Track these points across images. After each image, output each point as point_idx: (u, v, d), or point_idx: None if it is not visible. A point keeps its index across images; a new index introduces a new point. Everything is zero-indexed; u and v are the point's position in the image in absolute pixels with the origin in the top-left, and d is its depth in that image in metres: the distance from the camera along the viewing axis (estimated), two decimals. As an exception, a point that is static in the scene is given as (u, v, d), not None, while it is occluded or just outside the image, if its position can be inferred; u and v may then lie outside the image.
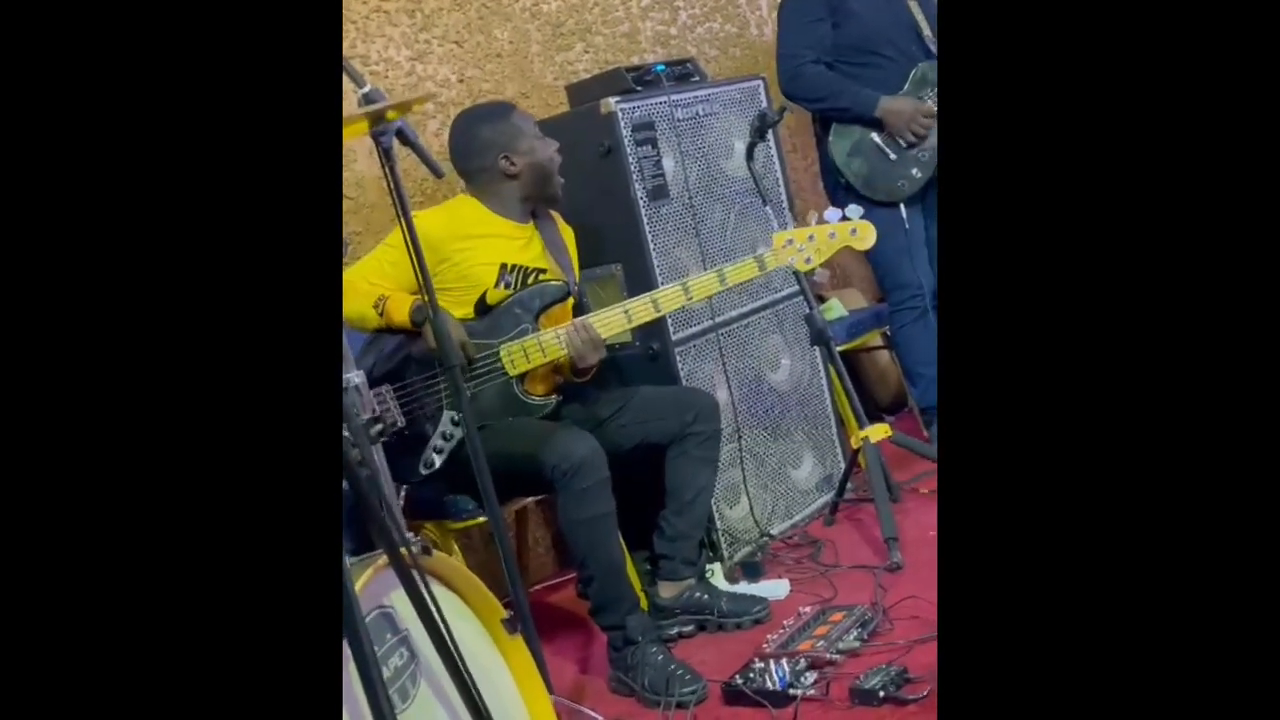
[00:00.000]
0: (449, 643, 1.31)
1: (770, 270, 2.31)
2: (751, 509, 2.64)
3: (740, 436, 2.64)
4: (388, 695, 1.18)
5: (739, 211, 2.72)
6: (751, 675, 1.90)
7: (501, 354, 2.16)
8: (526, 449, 2.03)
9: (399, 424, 2.06)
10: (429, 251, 1.67)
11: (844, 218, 2.31)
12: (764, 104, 2.76)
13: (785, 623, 2.11)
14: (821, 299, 3.38)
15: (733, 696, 1.90)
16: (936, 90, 2.94)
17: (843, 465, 2.82)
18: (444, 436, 2.11)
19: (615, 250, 2.54)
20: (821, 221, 2.31)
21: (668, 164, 2.56)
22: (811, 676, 1.87)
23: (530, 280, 2.24)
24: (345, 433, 1.33)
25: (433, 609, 1.30)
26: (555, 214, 2.39)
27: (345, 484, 1.20)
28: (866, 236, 2.32)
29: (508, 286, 2.21)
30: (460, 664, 1.32)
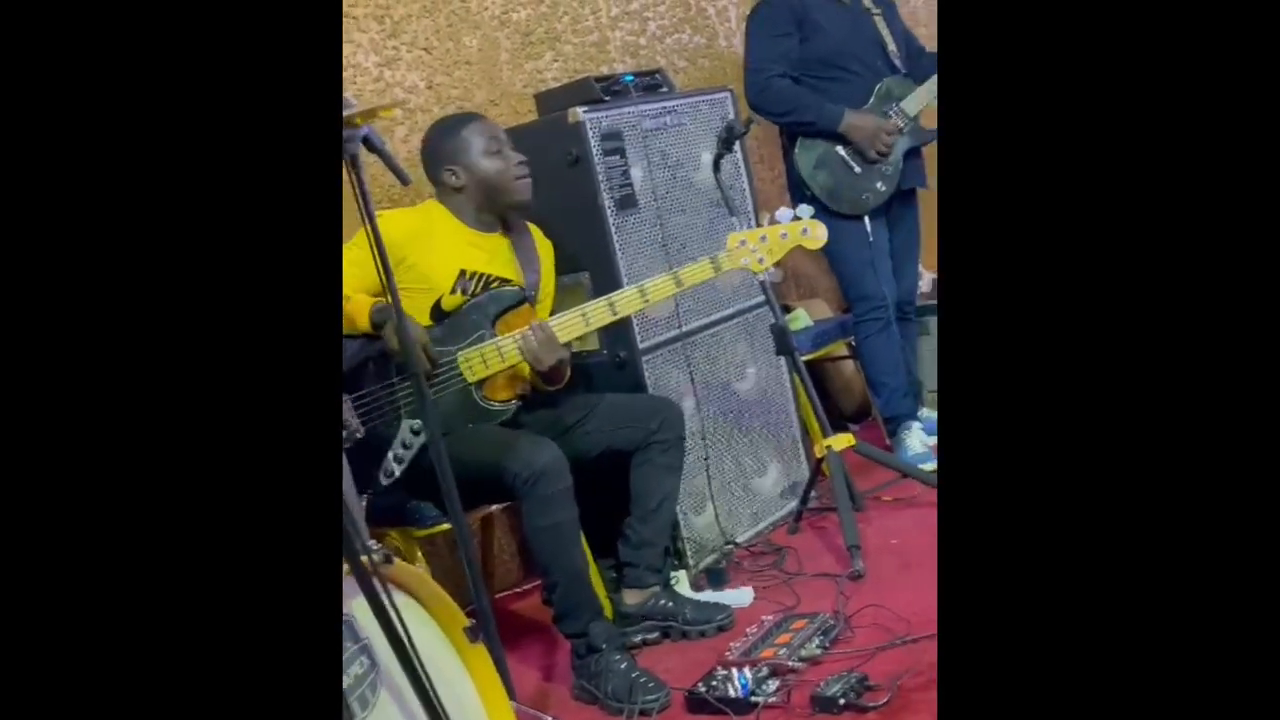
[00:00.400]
0: (409, 651, 1.31)
1: (725, 271, 2.32)
2: (717, 517, 2.65)
3: (706, 444, 2.65)
4: (346, 704, 1.17)
5: (706, 222, 2.74)
6: (714, 683, 1.91)
7: (459, 360, 2.16)
8: (489, 457, 2.03)
9: (360, 434, 2.05)
10: (388, 251, 1.67)
11: (795, 217, 2.34)
12: (731, 115, 2.78)
13: (748, 630, 2.13)
14: (788, 309, 3.41)
15: (695, 704, 1.91)
16: (900, 105, 2.99)
17: (807, 474, 2.85)
18: (404, 445, 2.10)
19: (583, 259, 2.55)
20: (774, 222, 2.33)
21: (635, 174, 2.57)
22: (773, 684, 1.89)
23: (491, 288, 2.24)
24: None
25: (394, 617, 1.30)
26: (534, 228, 2.39)
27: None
28: (818, 235, 2.34)
29: (465, 293, 2.21)
30: (421, 672, 1.32)
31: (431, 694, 1.32)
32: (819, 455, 2.61)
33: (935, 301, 3.49)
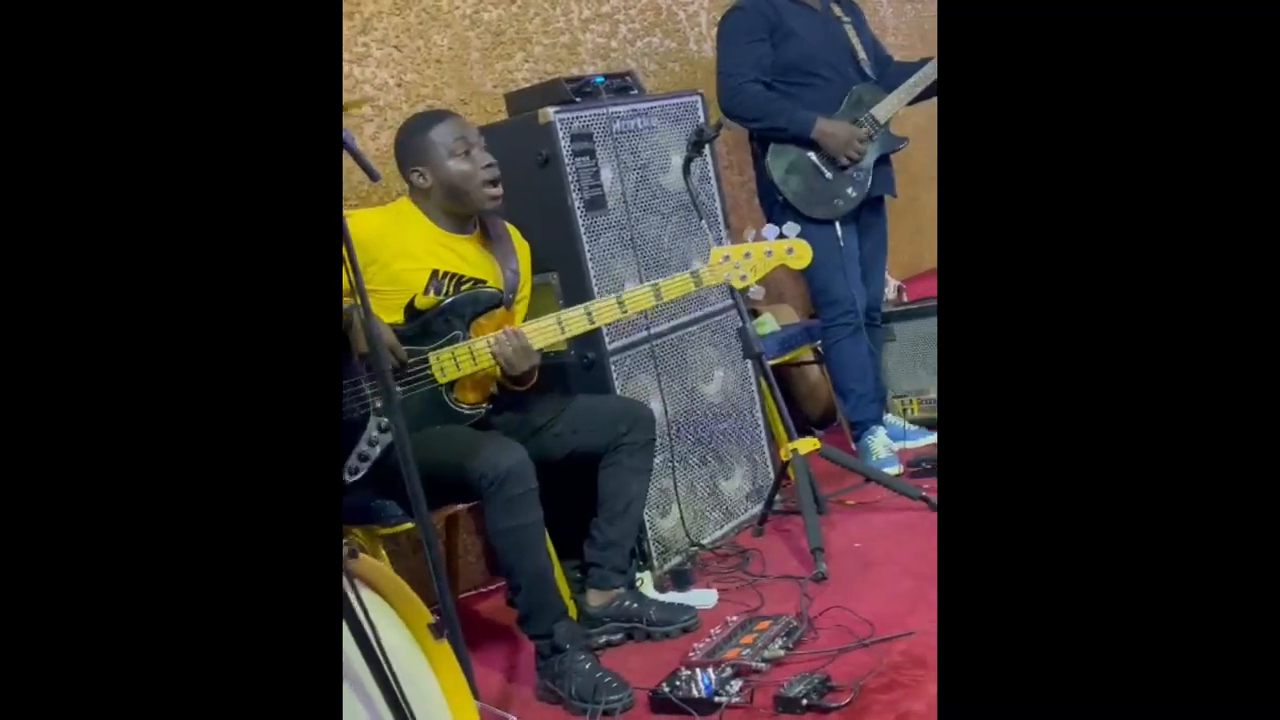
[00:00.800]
0: (374, 646, 1.30)
1: (706, 286, 2.33)
2: (682, 519, 2.66)
3: (673, 447, 2.66)
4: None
5: (675, 225, 2.75)
6: (678, 683, 1.92)
7: (431, 361, 2.15)
8: (454, 458, 2.02)
9: None
10: (359, 252, 1.66)
11: (781, 236, 2.32)
12: (701, 119, 2.79)
13: (712, 631, 2.13)
14: (755, 313, 3.43)
15: (659, 704, 1.91)
16: (871, 112, 3.02)
17: (772, 477, 2.86)
18: (369, 443, 2.09)
19: (552, 259, 2.54)
20: (759, 239, 2.32)
21: (605, 175, 2.58)
22: (737, 685, 1.89)
23: (465, 288, 2.23)
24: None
25: (358, 612, 1.29)
26: (512, 229, 2.38)
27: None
28: (803, 255, 2.32)
29: (438, 293, 2.19)
30: (386, 668, 1.31)
31: (396, 690, 1.31)
32: (784, 459, 2.62)
33: (900, 308, 3.52)
